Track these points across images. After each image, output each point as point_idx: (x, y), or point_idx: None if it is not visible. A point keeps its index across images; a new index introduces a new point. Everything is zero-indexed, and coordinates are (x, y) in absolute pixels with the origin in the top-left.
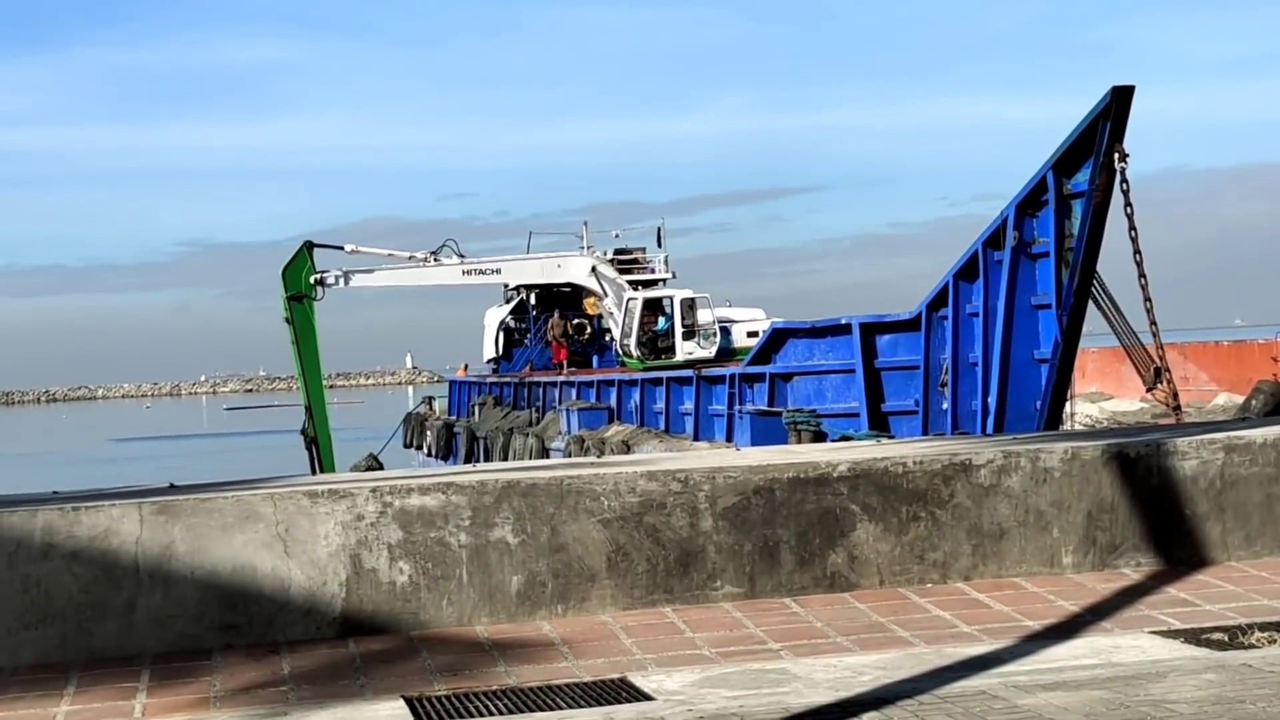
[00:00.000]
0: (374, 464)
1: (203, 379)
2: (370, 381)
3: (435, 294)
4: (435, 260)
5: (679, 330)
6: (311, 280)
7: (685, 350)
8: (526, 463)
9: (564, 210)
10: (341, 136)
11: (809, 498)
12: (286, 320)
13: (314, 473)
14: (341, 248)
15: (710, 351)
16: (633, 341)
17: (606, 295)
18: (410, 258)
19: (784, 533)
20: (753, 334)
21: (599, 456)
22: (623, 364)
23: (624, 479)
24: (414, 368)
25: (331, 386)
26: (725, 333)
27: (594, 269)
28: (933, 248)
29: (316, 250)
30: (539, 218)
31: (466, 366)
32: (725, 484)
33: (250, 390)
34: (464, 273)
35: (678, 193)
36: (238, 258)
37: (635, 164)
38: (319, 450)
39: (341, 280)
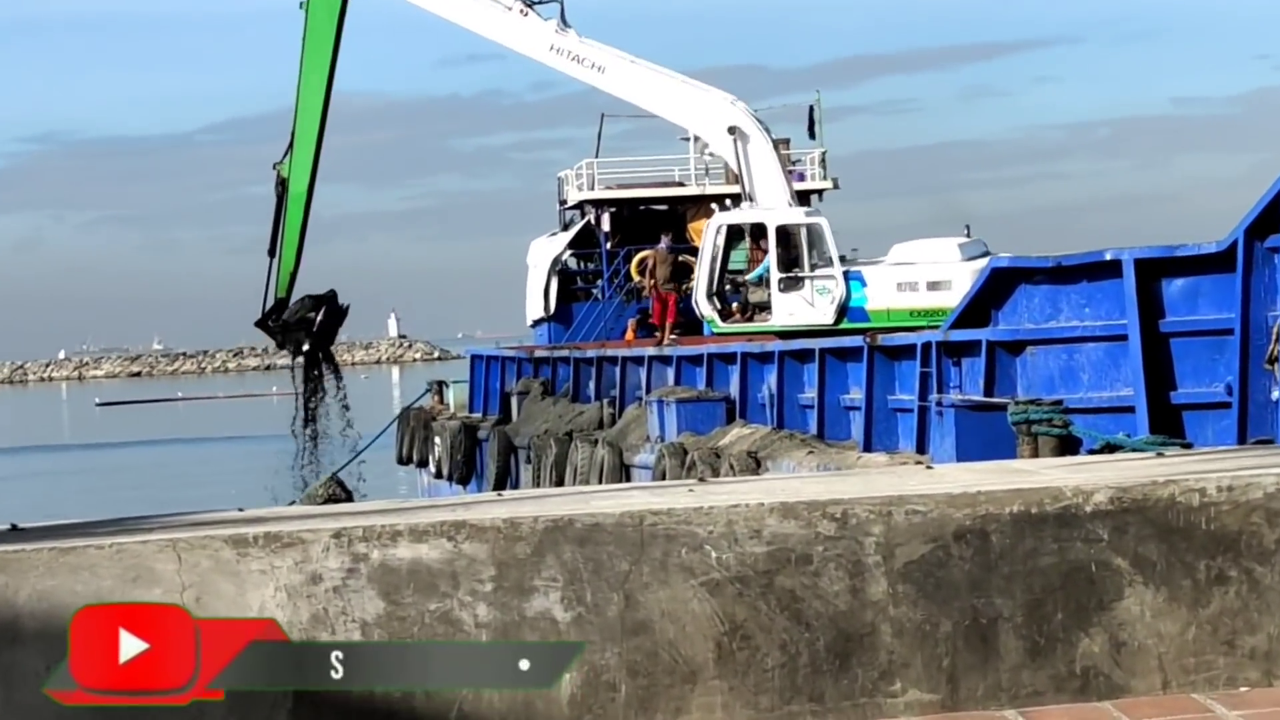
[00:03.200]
0: (337, 491)
1: (62, 356)
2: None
3: (428, 216)
4: (525, 10)
5: (774, 279)
6: None
7: (785, 310)
8: (585, 489)
9: None
10: None
11: (1045, 546)
12: (301, 5)
13: (275, 230)
14: None
15: (826, 315)
16: (703, 291)
17: (751, 186)
18: None
19: (1005, 603)
20: (910, 287)
21: (709, 477)
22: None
23: (743, 516)
24: (400, 337)
25: (269, 368)
26: (856, 283)
27: (734, 129)
28: (1246, 138)
29: None
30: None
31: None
32: (907, 524)
33: (138, 374)
34: (551, 48)
35: (825, 53)
36: (117, 162)
37: (762, 10)
38: (286, 199)
39: None
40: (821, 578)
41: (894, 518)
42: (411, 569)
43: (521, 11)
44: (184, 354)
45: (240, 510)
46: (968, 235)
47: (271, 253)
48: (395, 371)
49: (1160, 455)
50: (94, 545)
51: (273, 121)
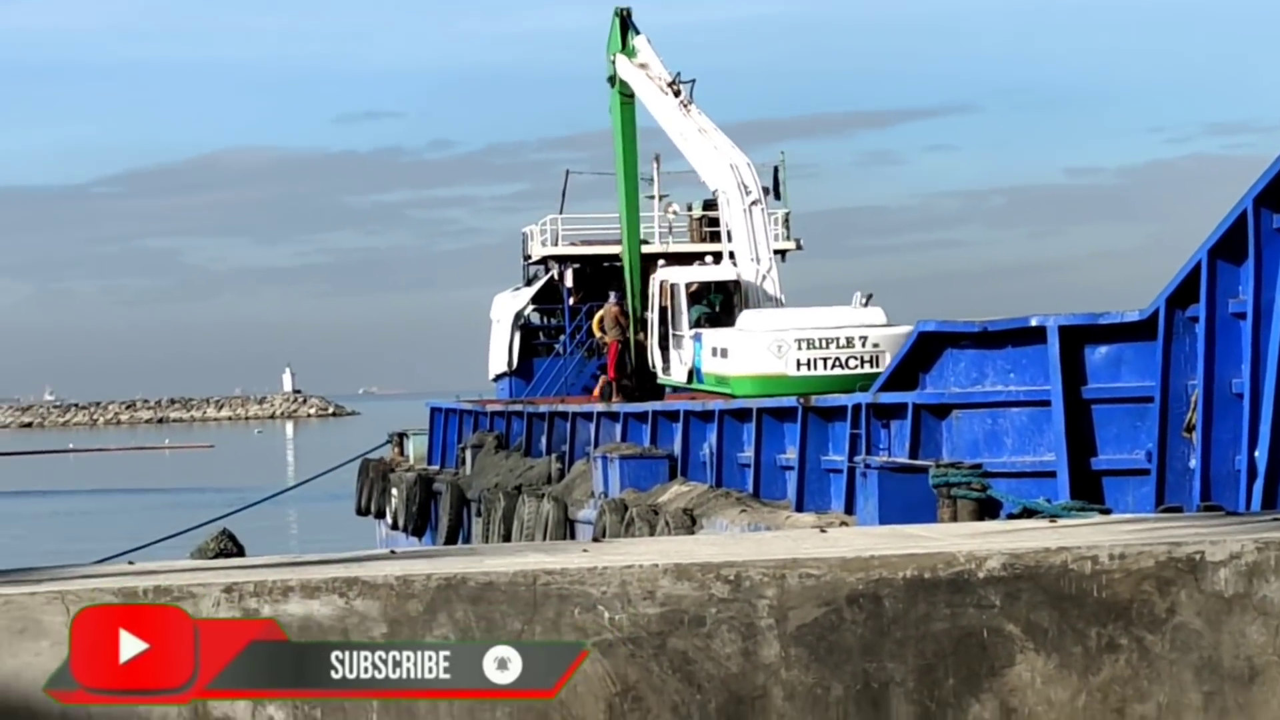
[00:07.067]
0: (228, 545)
1: None
2: (225, 413)
3: (322, 272)
4: (676, 93)
5: (669, 336)
6: (610, 58)
7: (675, 369)
8: (481, 548)
9: (547, 140)
10: (171, 17)
11: (938, 612)
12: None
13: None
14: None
15: (682, 375)
16: (656, 344)
17: (726, 245)
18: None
19: (896, 668)
20: (715, 353)
21: (648, 534)
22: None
23: (637, 577)
24: (295, 392)
25: (161, 421)
26: (698, 345)
27: (716, 192)
28: (1138, 209)
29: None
30: (503, 150)
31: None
32: (801, 587)
33: (29, 425)
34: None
35: (726, 115)
36: (9, 212)
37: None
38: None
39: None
40: (714, 640)
41: (788, 581)
42: (304, 624)
43: (676, 95)
44: (76, 405)
45: (131, 563)
46: (865, 303)
47: None
48: (289, 426)
49: (1052, 523)
50: None
51: (168, 175)
